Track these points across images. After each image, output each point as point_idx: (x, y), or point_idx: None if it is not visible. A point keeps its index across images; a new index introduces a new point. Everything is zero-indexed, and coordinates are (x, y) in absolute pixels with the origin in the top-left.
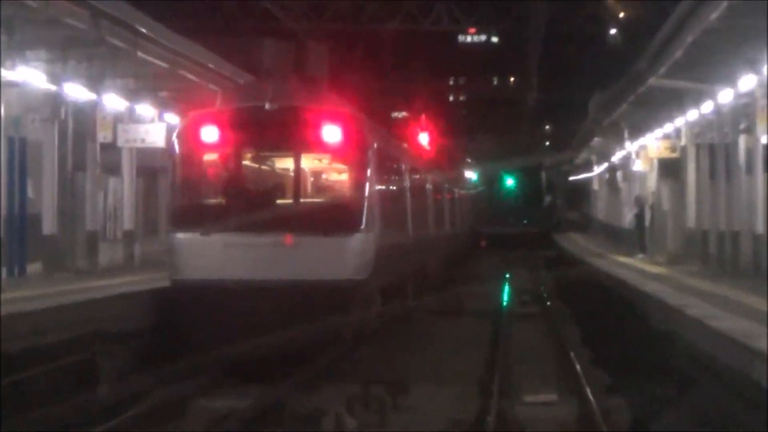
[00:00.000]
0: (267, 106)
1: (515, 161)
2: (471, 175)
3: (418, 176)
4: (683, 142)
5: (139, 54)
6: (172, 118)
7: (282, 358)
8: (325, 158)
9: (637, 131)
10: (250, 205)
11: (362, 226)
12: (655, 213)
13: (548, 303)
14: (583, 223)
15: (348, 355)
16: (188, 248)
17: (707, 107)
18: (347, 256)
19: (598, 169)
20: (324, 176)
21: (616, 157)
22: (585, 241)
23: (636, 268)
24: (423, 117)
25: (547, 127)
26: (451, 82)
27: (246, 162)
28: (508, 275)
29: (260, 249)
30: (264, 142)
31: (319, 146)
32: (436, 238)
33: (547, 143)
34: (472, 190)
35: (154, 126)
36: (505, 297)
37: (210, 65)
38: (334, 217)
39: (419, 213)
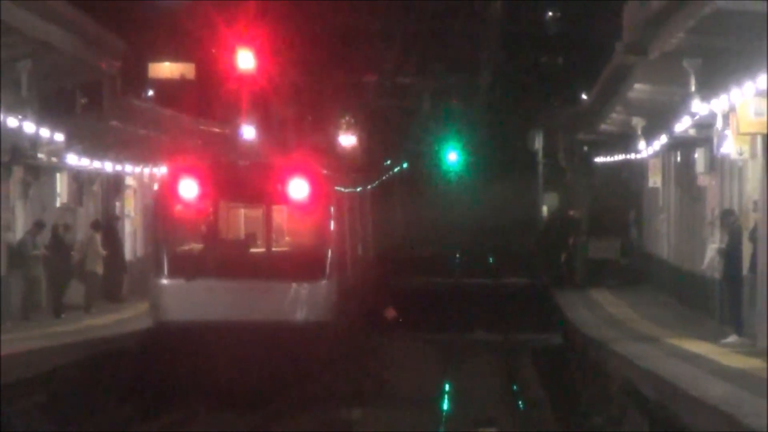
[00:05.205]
0: (241, 162)
1: (471, 122)
2: (380, 155)
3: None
4: None
5: None
6: None
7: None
8: (293, 209)
9: (718, 72)
10: (228, 252)
11: (326, 273)
12: (760, 244)
13: None
14: (627, 264)
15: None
16: (172, 292)
17: None
18: (313, 300)
19: (647, 150)
20: (291, 226)
21: (684, 126)
22: (628, 305)
23: (719, 370)
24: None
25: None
26: None
27: (222, 212)
28: (447, 397)
29: (237, 292)
30: (240, 194)
31: (289, 199)
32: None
33: (543, 92)
34: (383, 188)
35: None
36: None
37: None
38: (302, 264)
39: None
